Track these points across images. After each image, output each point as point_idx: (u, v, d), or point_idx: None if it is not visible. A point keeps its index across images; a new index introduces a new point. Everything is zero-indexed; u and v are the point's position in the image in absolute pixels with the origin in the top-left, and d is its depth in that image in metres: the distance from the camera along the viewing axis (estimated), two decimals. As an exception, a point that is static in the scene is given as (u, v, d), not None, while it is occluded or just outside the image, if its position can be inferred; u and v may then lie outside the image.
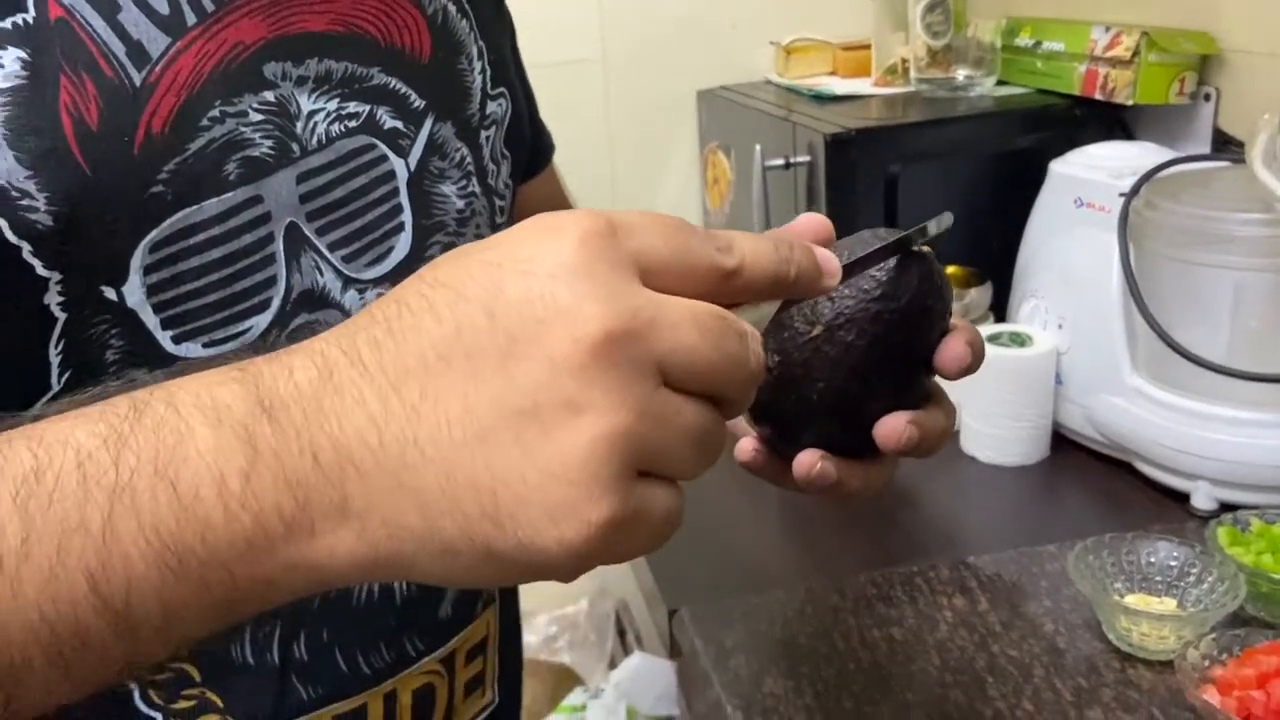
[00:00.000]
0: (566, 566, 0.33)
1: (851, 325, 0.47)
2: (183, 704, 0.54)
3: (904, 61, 1.49)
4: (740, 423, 0.54)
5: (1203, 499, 0.97)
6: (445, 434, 0.32)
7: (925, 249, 0.49)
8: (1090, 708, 0.75)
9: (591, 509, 0.32)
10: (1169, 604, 0.82)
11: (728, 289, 0.37)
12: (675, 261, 0.35)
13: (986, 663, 0.80)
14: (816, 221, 0.49)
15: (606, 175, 1.77)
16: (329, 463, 0.33)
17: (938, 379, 0.51)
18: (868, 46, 1.59)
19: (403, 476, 0.32)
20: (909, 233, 0.48)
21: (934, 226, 0.48)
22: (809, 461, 0.49)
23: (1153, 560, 0.84)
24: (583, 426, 0.32)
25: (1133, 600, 0.82)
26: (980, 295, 1.26)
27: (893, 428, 0.48)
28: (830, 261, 0.41)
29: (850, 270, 0.45)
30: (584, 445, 0.32)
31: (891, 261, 0.48)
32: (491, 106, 0.64)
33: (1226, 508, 0.94)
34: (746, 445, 0.53)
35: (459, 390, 0.32)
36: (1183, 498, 0.99)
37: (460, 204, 0.61)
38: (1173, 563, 0.83)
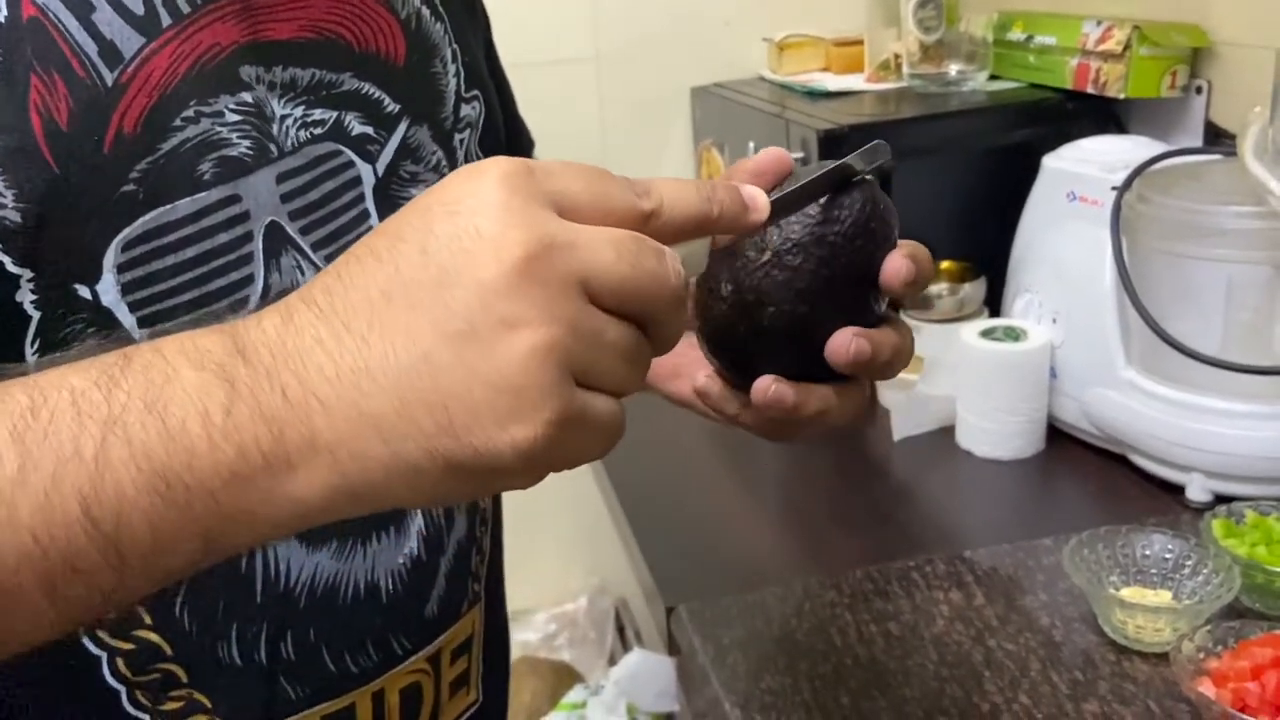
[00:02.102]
0: (522, 469, 0.36)
1: (798, 249, 0.49)
2: (170, 705, 0.54)
3: (897, 57, 1.49)
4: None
5: (1197, 491, 0.97)
6: (393, 360, 0.35)
7: (867, 177, 0.51)
8: (1086, 700, 0.75)
9: (536, 412, 0.35)
10: (1164, 596, 0.82)
11: (648, 229, 0.39)
12: (593, 203, 0.38)
13: (983, 657, 0.80)
14: (775, 155, 0.52)
15: (601, 173, 1.77)
16: (296, 398, 0.35)
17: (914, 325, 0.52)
18: (860, 42, 1.59)
19: (361, 405, 0.35)
20: (845, 160, 0.50)
21: (870, 155, 0.51)
22: (764, 385, 0.50)
23: (1148, 553, 0.84)
24: (518, 340, 0.35)
25: (1128, 593, 0.83)
26: (974, 290, 1.26)
27: (840, 342, 0.49)
28: (756, 198, 0.44)
29: (789, 201, 0.48)
30: (521, 356, 0.35)
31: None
32: (466, 109, 0.65)
33: (1221, 499, 0.95)
34: (700, 373, 0.55)
35: (401, 321, 0.35)
36: (1178, 490, 1.00)
37: None
38: (1168, 555, 0.84)
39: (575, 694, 1.72)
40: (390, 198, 0.59)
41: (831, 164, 0.50)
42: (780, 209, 0.46)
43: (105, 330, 0.49)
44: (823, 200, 0.50)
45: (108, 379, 0.35)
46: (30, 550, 0.34)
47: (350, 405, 0.35)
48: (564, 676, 1.84)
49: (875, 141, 0.51)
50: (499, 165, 0.37)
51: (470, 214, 0.36)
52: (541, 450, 0.35)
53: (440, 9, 0.63)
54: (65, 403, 0.35)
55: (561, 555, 1.93)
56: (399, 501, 0.38)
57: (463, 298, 0.35)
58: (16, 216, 0.45)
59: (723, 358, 0.53)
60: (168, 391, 0.35)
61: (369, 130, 0.58)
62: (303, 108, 0.55)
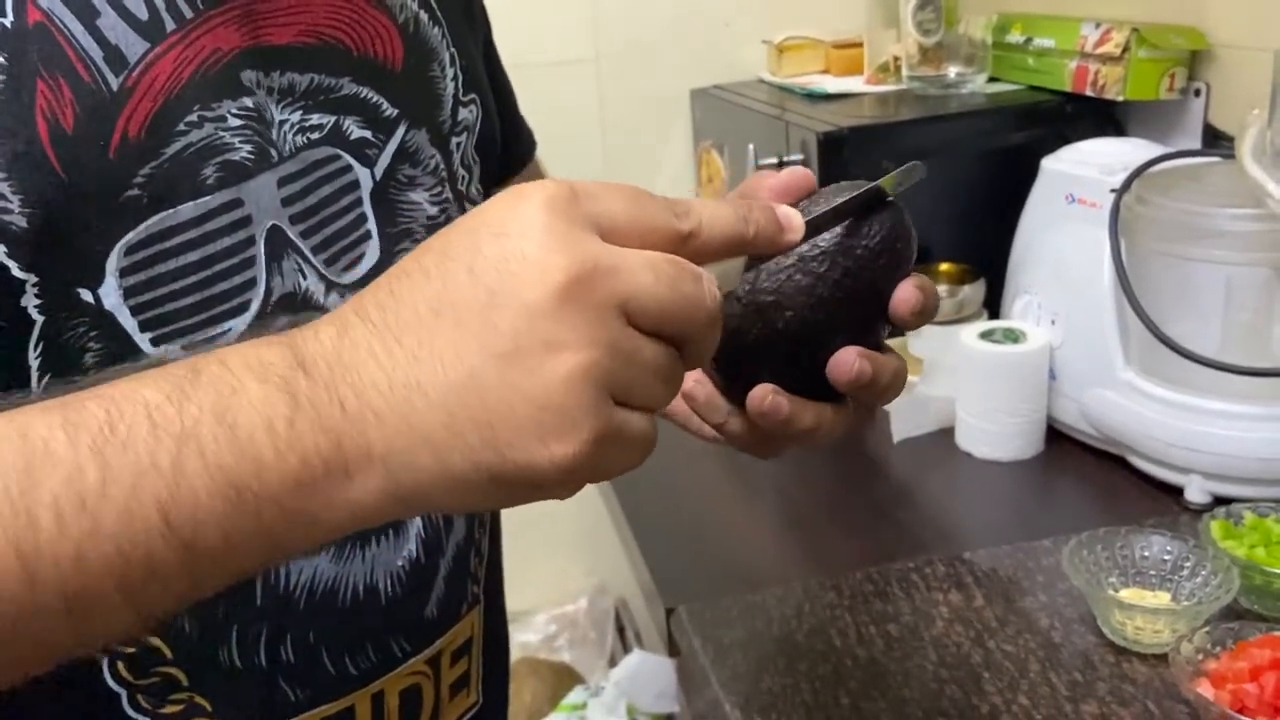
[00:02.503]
0: (562, 482, 0.38)
1: (825, 257, 0.50)
2: (171, 708, 0.54)
3: (896, 59, 1.50)
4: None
5: (1196, 492, 0.98)
6: (442, 377, 0.37)
7: (895, 201, 0.52)
8: (1085, 702, 0.75)
9: (576, 430, 0.37)
10: (1163, 598, 0.83)
11: (686, 250, 0.41)
12: (633, 224, 0.39)
13: (982, 658, 0.81)
14: (800, 174, 0.52)
15: (600, 175, 1.76)
16: (353, 410, 0.37)
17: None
18: (860, 44, 1.59)
19: (412, 419, 0.37)
20: (880, 182, 0.50)
21: (904, 177, 0.51)
22: (762, 394, 0.50)
23: (1147, 554, 0.84)
24: (560, 362, 0.36)
25: (1127, 594, 0.83)
26: (974, 291, 1.27)
27: (845, 360, 0.50)
28: (792, 219, 0.45)
29: (821, 223, 0.48)
30: (563, 377, 0.36)
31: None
32: (463, 113, 0.65)
33: (1220, 501, 0.95)
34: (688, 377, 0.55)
35: (450, 338, 0.37)
36: (1176, 491, 1.00)
37: (433, 210, 0.62)
38: (1166, 557, 0.84)
39: (575, 695, 1.72)
40: (388, 201, 0.59)
41: (865, 185, 0.50)
42: (812, 230, 0.47)
43: (107, 334, 0.49)
44: (867, 200, 0.50)
45: (179, 393, 0.37)
46: (113, 558, 0.35)
47: (402, 419, 0.37)
48: (564, 677, 1.84)
49: (912, 163, 0.51)
50: (544, 189, 0.38)
51: (516, 237, 0.37)
52: (580, 465, 0.37)
53: (438, 13, 0.63)
54: (140, 416, 0.36)
55: (561, 556, 1.93)
56: (444, 507, 0.40)
57: (509, 319, 0.37)
58: (23, 222, 0.45)
59: (723, 360, 0.53)
60: (235, 404, 0.37)
61: (367, 134, 0.58)
62: (300, 113, 0.55)
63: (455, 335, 0.37)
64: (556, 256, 0.37)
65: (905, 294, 0.51)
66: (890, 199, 0.51)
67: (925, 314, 0.52)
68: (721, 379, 0.54)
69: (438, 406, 0.37)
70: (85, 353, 0.49)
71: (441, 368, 0.37)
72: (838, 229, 0.50)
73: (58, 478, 0.35)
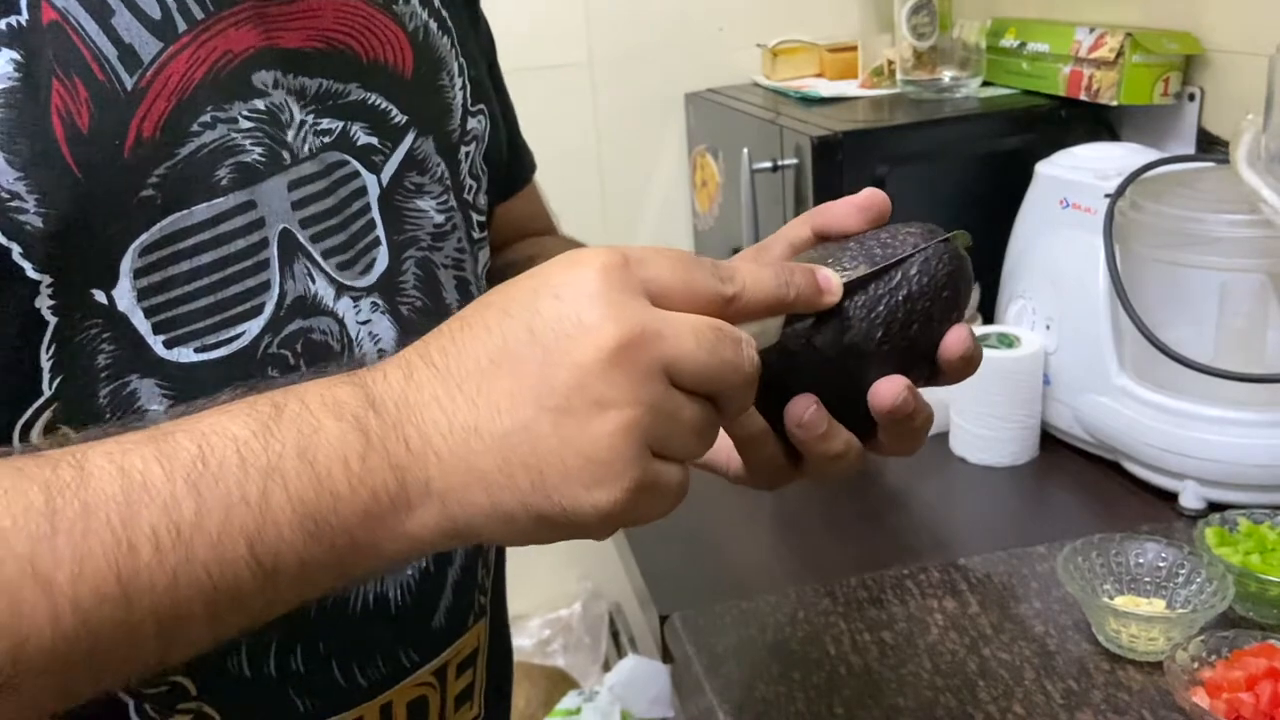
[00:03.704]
0: (600, 525, 0.41)
1: (899, 269, 0.50)
2: (179, 718, 0.54)
3: (890, 63, 1.49)
4: None
5: (1191, 498, 0.98)
6: (498, 424, 0.40)
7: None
8: (1080, 710, 0.75)
9: (618, 480, 0.40)
10: (1158, 605, 0.82)
11: (729, 312, 0.44)
12: (681, 289, 0.43)
13: (977, 666, 0.80)
14: (875, 197, 0.53)
15: (595, 179, 1.77)
16: (417, 448, 0.41)
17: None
18: (854, 48, 1.59)
19: (469, 460, 0.40)
20: (927, 248, 0.51)
21: (967, 238, 0.53)
22: (805, 404, 0.49)
23: (1141, 561, 0.84)
24: (607, 419, 0.40)
25: (1122, 602, 0.83)
26: (968, 296, 1.26)
27: (892, 387, 0.49)
28: (830, 281, 0.48)
29: (861, 283, 0.49)
30: (609, 433, 0.40)
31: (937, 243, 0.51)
32: (472, 123, 0.64)
33: (1215, 507, 0.95)
34: None
35: (506, 388, 0.40)
36: (1171, 497, 1.00)
37: (439, 218, 0.61)
38: (1161, 564, 0.84)
39: (570, 700, 1.71)
40: (395, 208, 0.59)
41: (911, 250, 0.50)
42: (851, 290, 0.48)
43: (120, 336, 0.49)
44: (933, 234, 0.51)
45: (264, 430, 0.40)
46: (203, 584, 0.38)
47: (460, 460, 0.40)
48: (558, 682, 1.83)
49: (959, 230, 0.52)
50: (600, 257, 0.41)
51: (573, 301, 0.40)
52: (619, 511, 0.41)
53: (448, 23, 0.63)
54: (230, 451, 0.39)
55: (556, 561, 1.93)
56: (492, 540, 0.44)
57: (563, 378, 0.40)
58: (39, 222, 0.45)
59: (775, 369, 0.49)
60: (315, 441, 0.40)
61: (374, 141, 0.58)
62: (311, 117, 0.55)
63: (512, 387, 0.40)
64: (608, 323, 0.40)
65: (960, 334, 0.51)
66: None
67: (972, 362, 0.51)
68: (762, 395, 0.50)
69: (493, 450, 0.40)
70: (98, 355, 0.49)
71: (498, 415, 0.40)
72: (912, 254, 0.50)
73: (155, 508, 0.38)
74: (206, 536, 0.38)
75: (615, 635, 1.92)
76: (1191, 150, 1.21)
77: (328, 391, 0.41)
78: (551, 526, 0.41)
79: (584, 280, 0.41)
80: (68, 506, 0.37)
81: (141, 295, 0.49)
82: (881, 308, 0.49)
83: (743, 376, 0.43)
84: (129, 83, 0.48)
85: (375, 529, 0.41)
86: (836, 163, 1.26)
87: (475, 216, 0.65)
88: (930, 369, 0.52)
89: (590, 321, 0.40)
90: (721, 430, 0.50)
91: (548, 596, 1.95)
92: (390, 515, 0.41)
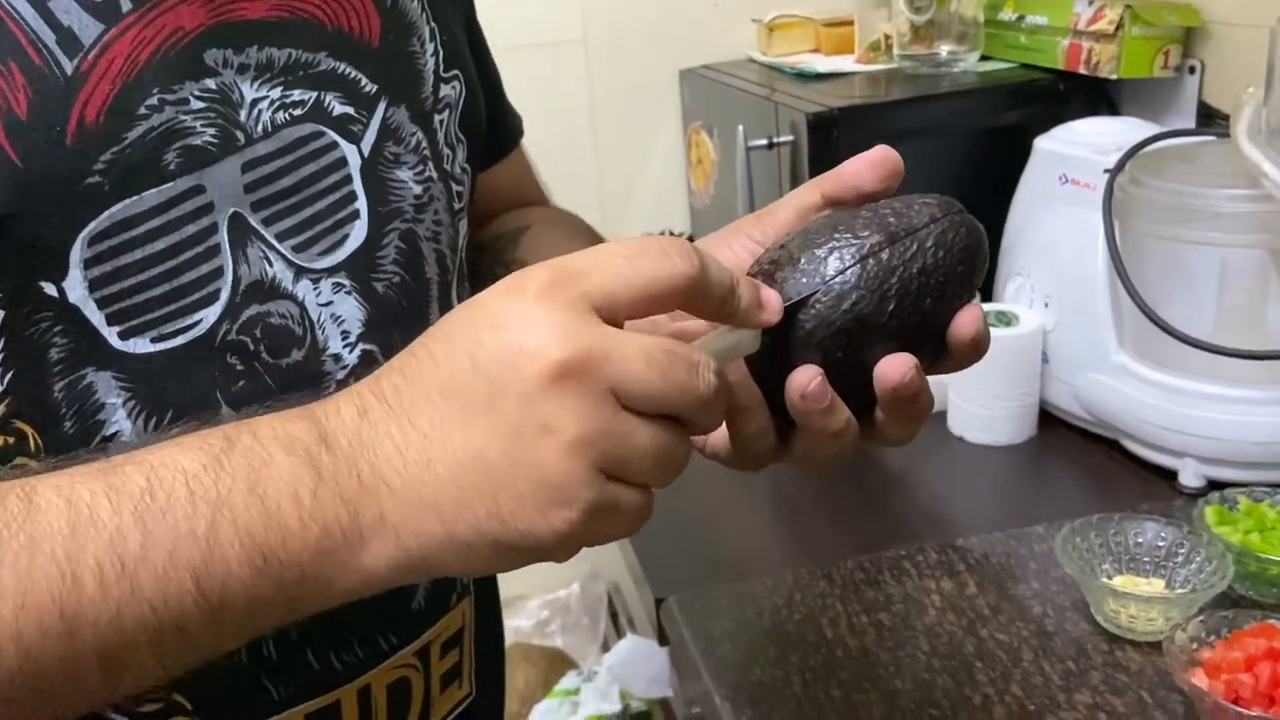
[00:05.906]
0: (558, 548, 0.41)
1: (913, 239, 0.48)
2: (150, 707, 0.53)
3: (887, 38, 1.48)
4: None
5: (1190, 476, 0.97)
6: (451, 454, 0.40)
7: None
8: (1079, 691, 0.75)
9: (572, 503, 0.40)
10: (1157, 585, 0.82)
11: (690, 298, 0.42)
12: (632, 291, 0.41)
13: (975, 647, 0.80)
14: (887, 155, 0.52)
15: (590, 157, 1.75)
16: (369, 483, 0.41)
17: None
18: (850, 23, 1.57)
19: (423, 492, 0.41)
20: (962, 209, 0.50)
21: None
22: (809, 374, 0.46)
23: (1140, 541, 0.84)
24: (555, 443, 0.40)
25: (1120, 582, 0.82)
26: (966, 274, 1.25)
27: (898, 363, 0.47)
28: (772, 301, 0.46)
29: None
30: (558, 456, 0.40)
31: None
32: (445, 89, 0.63)
33: (1214, 485, 0.94)
34: None
35: (457, 420, 0.40)
36: (1170, 475, 0.99)
37: (418, 189, 0.60)
38: (1160, 543, 0.83)
39: (568, 680, 1.71)
40: (378, 178, 0.58)
41: (928, 220, 0.48)
42: (864, 257, 0.47)
43: (73, 328, 0.48)
44: (950, 206, 0.49)
45: (215, 463, 0.40)
46: (147, 618, 0.39)
47: (414, 492, 0.41)
48: (557, 663, 1.83)
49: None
50: (537, 280, 0.41)
51: (513, 329, 0.40)
52: (575, 533, 0.40)
53: None
54: (179, 484, 0.39)
55: (554, 541, 1.92)
56: (450, 571, 0.43)
57: (510, 406, 0.40)
58: None
59: (765, 345, 0.48)
60: (265, 475, 0.40)
61: (350, 110, 0.56)
62: (280, 89, 0.53)
63: (463, 418, 0.40)
64: (550, 347, 0.39)
65: (972, 314, 0.49)
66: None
67: (979, 347, 0.49)
68: (759, 364, 0.49)
69: (447, 480, 0.40)
70: (50, 348, 0.48)
71: (451, 447, 0.40)
72: (928, 224, 0.48)
73: (101, 542, 0.38)
74: (151, 570, 0.38)
75: (614, 616, 1.92)
76: (1192, 124, 1.20)
77: (280, 426, 0.41)
78: (509, 552, 0.41)
79: (521, 306, 0.40)
80: (13, 539, 0.38)
81: (93, 286, 0.48)
82: (895, 279, 0.47)
83: (697, 399, 0.42)
84: (69, 67, 0.47)
85: (326, 564, 0.41)
86: (833, 139, 1.24)
87: (455, 186, 0.64)
88: (937, 350, 0.49)
89: (531, 347, 0.40)
90: None
91: (546, 577, 1.95)
92: (343, 549, 0.41)
